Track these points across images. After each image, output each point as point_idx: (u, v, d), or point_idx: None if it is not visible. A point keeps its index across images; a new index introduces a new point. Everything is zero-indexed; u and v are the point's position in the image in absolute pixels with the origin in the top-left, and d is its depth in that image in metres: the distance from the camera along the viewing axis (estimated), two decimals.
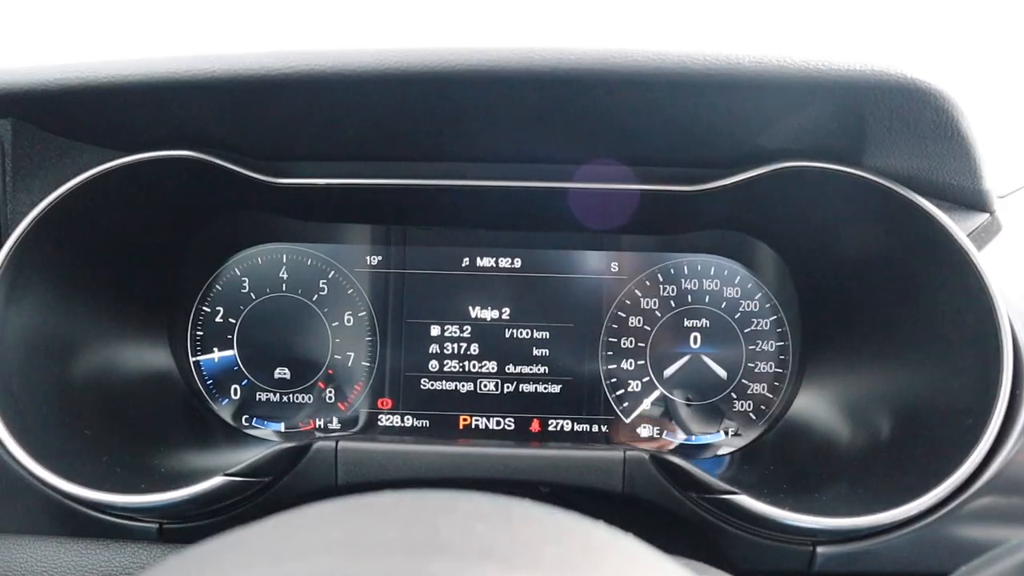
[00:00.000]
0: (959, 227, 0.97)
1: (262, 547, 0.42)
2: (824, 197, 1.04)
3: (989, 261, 0.96)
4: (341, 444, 0.97)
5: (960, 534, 0.92)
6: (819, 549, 0.95)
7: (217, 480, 0.94)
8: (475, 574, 0.36)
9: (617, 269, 1.23)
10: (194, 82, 0.92)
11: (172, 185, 1.08)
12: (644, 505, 0.96)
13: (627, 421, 1.22)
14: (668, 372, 1.23)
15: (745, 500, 0.92)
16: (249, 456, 0.98)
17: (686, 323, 1.22)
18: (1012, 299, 0.97)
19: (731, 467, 1.16)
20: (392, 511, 0.43)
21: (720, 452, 1.21)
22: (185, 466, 1.05)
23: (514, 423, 1.22)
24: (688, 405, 1.22)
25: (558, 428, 1.23)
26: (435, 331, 1.22)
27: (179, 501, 0.94)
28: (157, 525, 0.99)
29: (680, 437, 1.22)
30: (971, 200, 1.04)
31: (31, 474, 0.93)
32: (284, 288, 1.23)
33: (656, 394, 1.22)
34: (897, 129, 0.93)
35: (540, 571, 0.37)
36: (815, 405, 1.15)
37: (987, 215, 1.07)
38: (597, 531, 0.46)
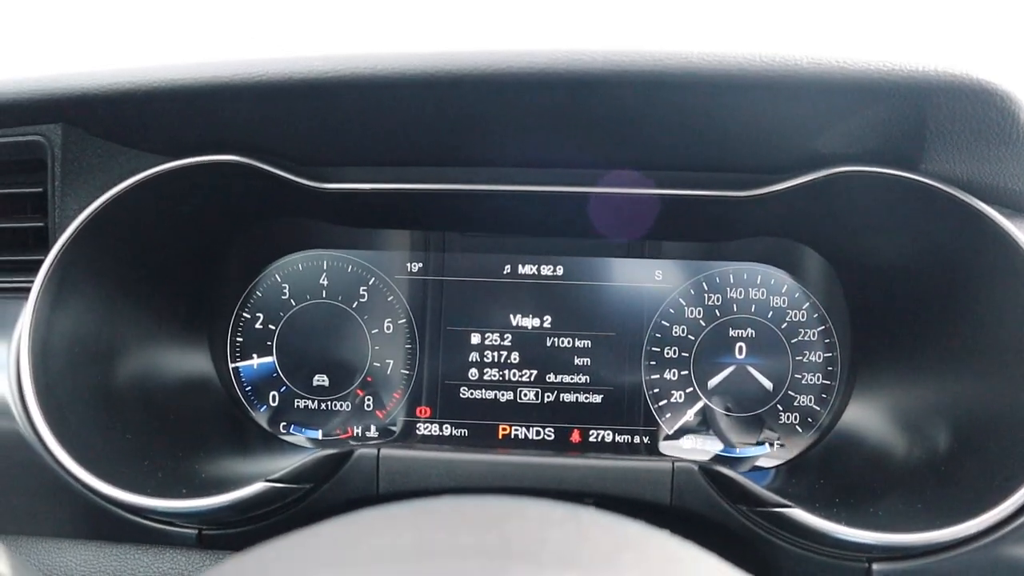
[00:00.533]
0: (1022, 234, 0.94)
1: (326, 553, 0.40)
2: (878, 203, 1.01)
3: None
4: (383, 452, 0.96)
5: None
6: (875, 566, 0.91)
7: (258, 486, 0.93)
8: None
9: (661, 277, 1.20)
10: (241, 86, 0.92)
11: (217, 190, 1.08)
12: (693, 518, 0.93)
13: (670, 432, 1.20)
14: (712, 383, 1.20)
15: (799, 514, 0.89)
16: (287, 463, 0.97)
17: (731, 333, 1.19)
18: None
19: (778, 479, 1.13)
20: (460, 516, 0.41)
21: (763, 464, 1.18)
22: (224, 472, 1.04)
23: (554, 433, 1.20)
24: (731, 417, 1.20)
25: (599, 439, 1.20)
26: (475, 339, 1.21)
27: (219, 507, 0.93)
28: (196, 531, 0.98)
29: (721, 449, 1.19)
30: None
31: (74, 477, 0.92)
32: (324, 295, 1.23)
33: (699, 405, 1.20)
34: (959, 132, 0.90)
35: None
36: (866, 416, 1.12)
37: None
38: (669, 540, 0.44)
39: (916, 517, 0.90)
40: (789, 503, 0.90)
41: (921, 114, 0.89)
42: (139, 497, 0.93)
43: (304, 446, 1.21)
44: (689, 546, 0.45)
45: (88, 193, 1.01)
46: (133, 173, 1.01)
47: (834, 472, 1.09)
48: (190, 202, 1.08)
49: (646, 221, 1.14)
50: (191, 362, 1.17)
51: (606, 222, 1.14)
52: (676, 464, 0.94)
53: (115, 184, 1.00)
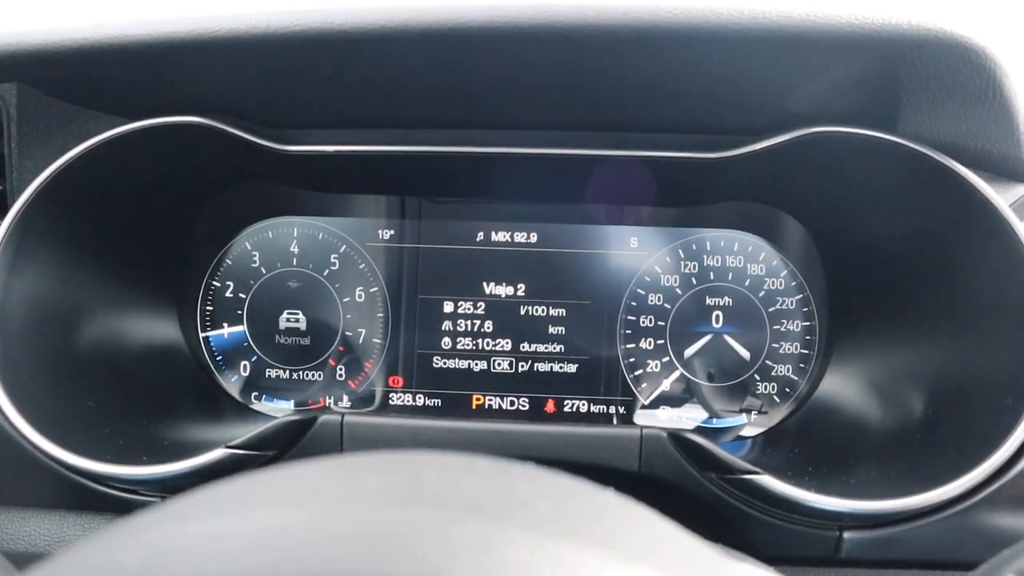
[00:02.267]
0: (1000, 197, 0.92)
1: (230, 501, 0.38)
2: (855, 165, 0.99)
3: None
4: (347, 418, 0.94)
5: (997, 522, 0.87)
6: (846, 534, 0.90)
7: (219, 453, 0.91)
8: (459, 527, 0.32)
9: (636, 244, 1.18)
10: (201, 43, 0.89)
11: (181, 153, 1.05)
12: (661, 485, 0.91)
13: (645, 402, 1.18)
14: (688, 352, 1.18)
15: (768, 481, 0.87)
16: (253, 430, 0.95)
17: (708, 301, 1.17)
18: None
19: (755, 449, 1.11)
20: (374, 467, 0.39)
21: (744, 434, 1.16)
22: (190, 440, 1.03)
23: (528, 403, 1.19)
24: (709, 386, 1.18)
25: (574, 409, 1.19)
26: (448, 308, 1.19)
27: (181, 473, 0.91)
28: (159, 499, 0.96)
29: (700, 419, 1.18)
30: (1011, 170, 0.98)
31: (33, 445, 0.91)
32: (295, 263, 1.21)
33: (676, 375, 1.18)
34: (935, 91, 0.88)
35: (533, 527, 0.34)
36: (844, 385, 1.10)
37: None
38: (603, 495, 0.42)
39: (888, 485, 0.88)
40: (758, 470, 0.88)
41: (895, 71, 0.86)
42: (99, 464, 0.91)
43: (276, 416, 1.19)
44: (625, 500, 0.43)
45: (46, 155, 0.99)
46: (93, 135, 0.99)
47: (810, 441, 1.07)
48: (153, 165, 1.05)
49: (620, 185, 1.11)
50: (158, 329, 1.15)
51: (580, 186, 1.11)
52: (644, 431, 0.92)
53: (74, 146, 0.97)
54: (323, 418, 0.94)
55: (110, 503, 0.97)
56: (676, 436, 0.92)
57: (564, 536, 0.33)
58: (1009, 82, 0.86)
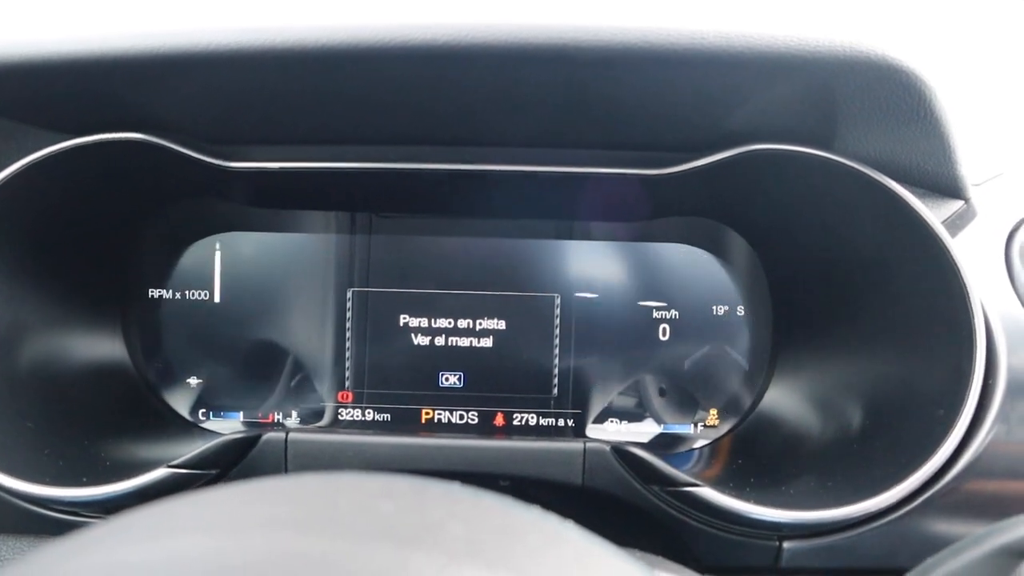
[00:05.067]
0: (933, 214, 0.95)
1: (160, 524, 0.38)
2: (794, 182, 1.01)
3: (963, 249, 0.93)
4: (291, 435, 0.94)
5: (931, 528, 0.89)
6: (785, 544, 0.91)
7: (160, 472, 0.90)
8: (366, 554, 0.33)
9: (585, 258, 1.19)
10: (144, 60, 0.88)
11: (123, 170, 1.04)
12: (604, 498, 0.92)
13: (593, 415, 1.19)
14: (635, 365, 1.19)
15: (708, 493, 0.89)
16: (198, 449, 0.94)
17: (655, 315, 1.19)
18: (985, 288, 0.95)
19: (700, 462, 1.13)
20: (291, 490, 0.39)
21: (693, 446, 1.18)
22: (134, 459, 1.01)
23: (478, 417, 1.19)
24: (656, 400, 1.19)
25: (523, 422, 1.19)
26: (397, 323, 1.19)
27: (121, 494, 0.90)
28: (101, 520, 0.95)
29: (648, 432, 1.19)
30: (945, 186, 1.02)
31: None
32: (243, 278, 1.20)
33: (622, 387, 1.19)
34: (868, 110, 0.90)
35: (441, 551, 0.34)
36: (786, 398, 1.12)
37: (962, 202, 1.05)
38: (521, 513, 0.43)
39: (826, 495, 0.90)
40: (699, 483, 0.89)
41: (830, 91, 0.88)
42: (37, 487, 0.89)
43: (222, 433, 1.18)
44: (538, 514, 0.44)
45: None
46: (33, 151, 0.97)
47: (752, 453, 1.09)
48: (96, 182, 1.04)
49: (568, 201, 1.12)
50: (102, 347, 1.13)
51: (529, 202, 1.12)
52: (588, 444, 0.93)
53: (11, 163, 0.96)
54: (267, 436, 0.94)
55: (50, 526, 0.95)
56: (619, 450, 0.93)
57: (472, 559, 0.34)
58: (938, 101, 0.89)
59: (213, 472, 0.93)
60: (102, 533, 0.39)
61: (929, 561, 0.64)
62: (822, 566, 0.91)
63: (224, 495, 0.41)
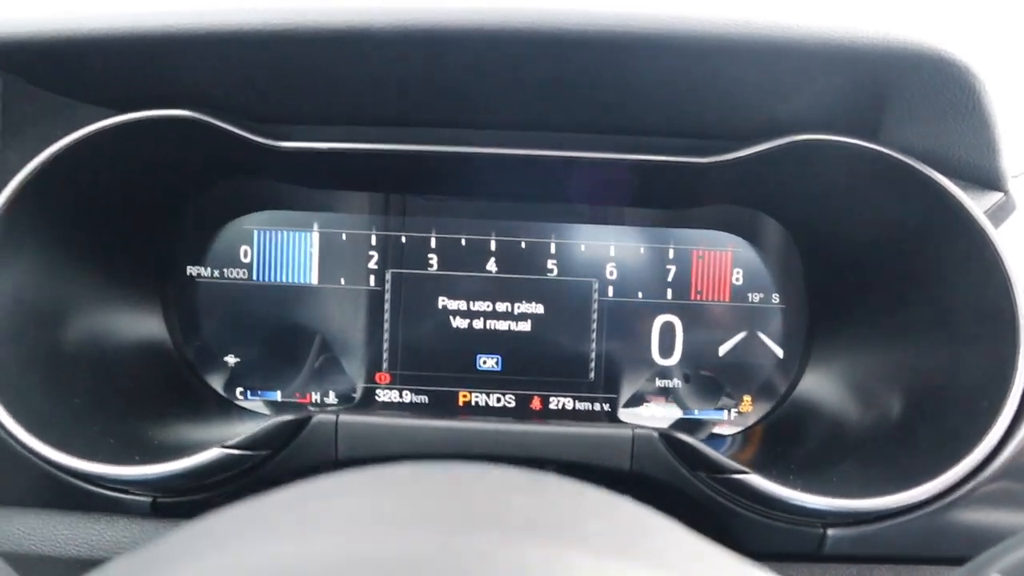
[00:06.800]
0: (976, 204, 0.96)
1: (279, 520, 0.39)
2: (837, 172, 1.02)
3: (1005, 240, 0.94)
4: (341, 418, 0.94)
5: (974, 519, 0.91)
6: (830, 531, 0.93)
7: (214, 453, 0.91)
8: (520, 550, 0.33)
9: (621, 244, 1.20)
10: (192, 37, 0.88)
11: (169, 147, 1.04)
12: (652, 484, 0.94)
13: (627, 399, 1.20)
14: (669, 350, 1.20)
15: (756, 480, 0.90)
16: (243, 429, 0.95)
17: (689, 300, 1.20)
18: None
19: (736, 446, 1.14)
20: (420, 483, 0.40)
21: (722, 431, 1.19)
22: (179, 438, 1.02)
23: (514, 400, 1.20)
24: (688, 385, 1.20)
25: (559, 406, 1.20)
26: (435, 305, 1.20)
27: (174, 474, 0.90)
28: (150, 499, 0.96)
29: (678, 416, 1.20)
30: (986, 178, 1.02)
31: (21, 444, 0.89)
32: (282, 256, 1.20)
33: (658, 372, 1.20)
34: (917, 103, 0.91)
35: (589, 547, 0.35)
36: (823, 385, 1.13)
37: (1001, 194, 1.05)
38: (633, 507, 0.44)
39: (870, 483, 0.92)
40: (746, 470, 0.91)
41: (880, 84, 0.89)
42: (91, 464, 0.90)
43: (260, 412, 1.19)
44: (653, 513, 0.45)
45: (30, 147, 0.96)
46: (79, 126, 0.96)
47: (791, 440, 1.10)
48: (140, 159, 1.03)
49: (606, 187, 1.13)
50: (143, 325, 1.13)
51: (566, 187, 1.12)
52: (636, 431, 0.94)
53: (59, 138, 0.95)
54: (317, 418, 0.94)
55: (99, 502, 0.96)
56: (667, 436, 0.94)
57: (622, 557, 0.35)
58: (987, 96, 0.89)
59: (264, 453, 0.93)
60: (247, 526, 0.40)
61: (991, 552, 0.65)
62: (866, 553, 0.93)
63: (349, 488, 0.42)
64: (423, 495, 0.39)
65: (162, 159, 1.05)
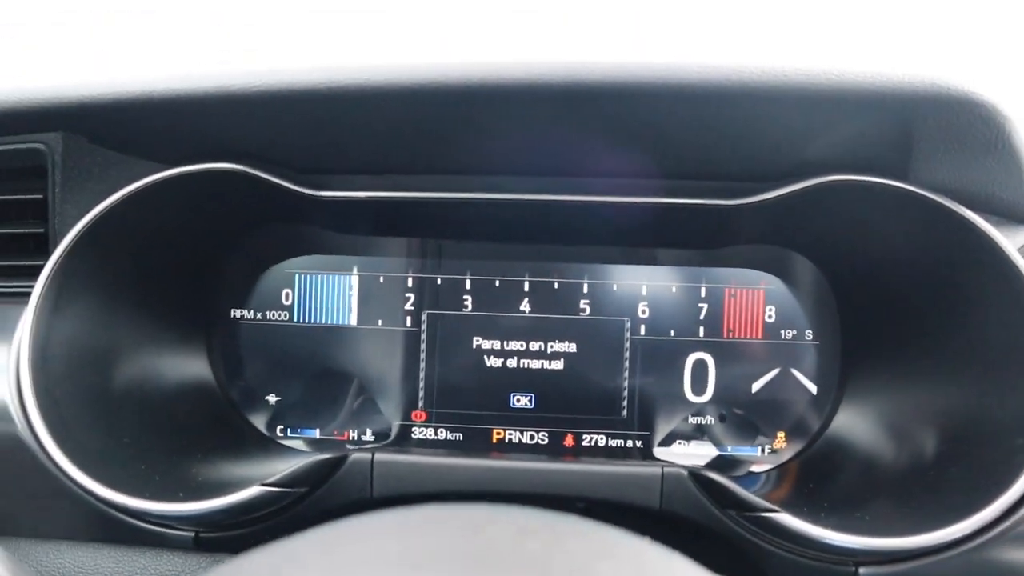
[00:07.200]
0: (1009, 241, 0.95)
1: (311, 561, 0.41)
2: (869, 211, 1.03)
3: None
4: (377, 456, 0.97)
5: (1010, 558, 0.89)
6: (862, 570, 0.92)
7: (254, 490, 0.94)
8: None
9: (654, 283, 1.21)
10: (240, 97, 0.93)
11: (215, 197, 1.09)
12: (682, 522, 0.94)
13: (661, 436, 1.21)
14: (702, 388, 1.21)
15: (786, 518, 0.90)
16: (283, 466, 0.98)
17: (722, 338, 1.20)
18: None
19: (768, 485, 1.14)
20: (439, 523, 0.42)
21: (755, 469, 1.19)
22: (221, 475, 1.06)
23: (547, 437, 1.21)
24: (723, 422, 1.21)
25: (592, 443, 1.21)
26: (469, 344, 1.22)
27: (216, 510, 0.94)
28: (193, 533, 0.99)
29: (712, 454, 1.20)
30: (1020, 214, 1.02)
31: (72, 480, 0.94)
32: (321, 300, 1.24)
33: (691, 410, 1.21)
34: (946, 142, 0.91)
35: None
36: (856, 422, 1.13)
37: None
38: (648, 548, 0.45)
39: (903, 522, 0.91)
40: (777, 508, 0.91)
41: (908, 124, 0.90)
42: (137, 500, 0.94)
43: (300, 449, 1.22)
44: (669, 553, 0.46)
45: (88, 200, 1.03)
46: (132, 180, 1.03)
47: (823, 478, 1.10)
48: (189, 209, 1.09)
49: (640, 229, 1.15)
50: (189, 366, 1.18)
51: (599, 230, 1.15)
52: (665, 469, 0.95)
53: (114, 191, 1.01)
54: (353, 456, 0.97)
55: (144, 537, 0.99)
56: (696, 474, 0.94)
57: None
58: (1017, 134, 0.90)
59: (303, 490, 0.96)
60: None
61: None
62: None
63: (374, 530, 0.44)
64: (444, 536, 0.41)
65: (208, 209, 1.11)
